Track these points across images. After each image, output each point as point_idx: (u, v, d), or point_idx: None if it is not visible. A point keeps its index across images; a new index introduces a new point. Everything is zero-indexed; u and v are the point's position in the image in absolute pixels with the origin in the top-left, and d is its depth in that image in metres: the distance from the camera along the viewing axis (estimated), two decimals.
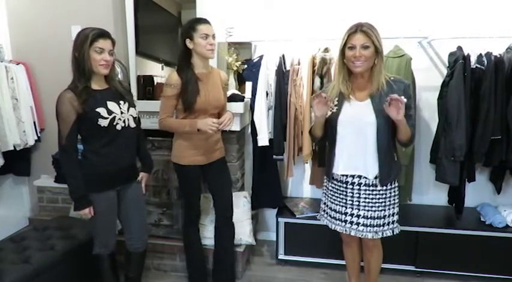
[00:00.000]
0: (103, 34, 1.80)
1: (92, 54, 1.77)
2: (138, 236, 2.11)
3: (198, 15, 2.69)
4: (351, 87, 1.89)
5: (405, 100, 1.70)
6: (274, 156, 2.79)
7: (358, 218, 1.93)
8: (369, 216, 1.91)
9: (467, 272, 2.55)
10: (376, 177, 1.89)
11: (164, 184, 2.85)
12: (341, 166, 1.93)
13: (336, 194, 1.99)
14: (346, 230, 1.97)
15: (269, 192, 2.94)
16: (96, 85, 1.86)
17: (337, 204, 2.00)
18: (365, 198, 1.91)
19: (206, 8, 2.73)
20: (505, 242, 2.48)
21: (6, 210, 3.14)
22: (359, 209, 1.93)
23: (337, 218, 2.00)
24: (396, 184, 1.95)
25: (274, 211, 2.88)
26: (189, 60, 2.08)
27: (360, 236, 1.95)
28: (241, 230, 2.63)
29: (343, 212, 1.97)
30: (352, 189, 1.93)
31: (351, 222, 1.95)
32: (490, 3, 2.57)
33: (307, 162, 2.87)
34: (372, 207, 1.91)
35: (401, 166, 2.02)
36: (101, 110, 1.80)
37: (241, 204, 2.73)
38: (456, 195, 2.63)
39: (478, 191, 2.78)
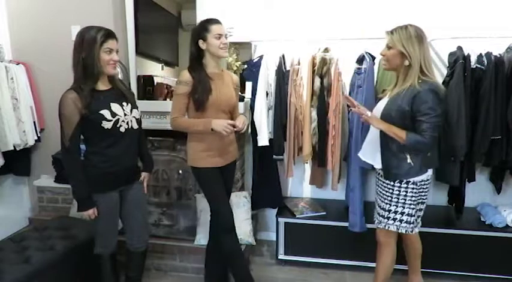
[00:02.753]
0: (110, 34, 1.79)
1: (102, 55, 1.76)
2: (139, 235, 2.11)
3: (198, 15, 2.69)
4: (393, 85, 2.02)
5: (367, 113, 1.92)
6: (274, 156, 2.79)
7: (375, 204, 2.15)
8: (379, 204, 2.09)
9: (467, 272, 2.56)
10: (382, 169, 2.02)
11: (164, 184, 2.85)
12: (362, 151, 2.18)
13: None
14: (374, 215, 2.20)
15: (269, 192, 2.94)
16: (101, 86, 1.85)
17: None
18: (379, 187, 2.08)
19: (206, 8, 2.72)
20: (505, 242, 2.48)
21: (6, 210, 3.13)
22: (377, 196, 2.13)
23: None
24: (413, 186, 1.95)
25: (274, 211, 2.88)
26: (201, 60, 2.07)
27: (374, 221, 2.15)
28: (241, 230, 2.63)
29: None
30: (377, 178, 2.12)
31: (375, 207, 2.17)
32: (490, 3, 2.57)
33: (307, 162, 2.87)
34: (381, 197, 2.07)
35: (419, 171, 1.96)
36: (105, 112, 1.79)
37: (241, 204, 2.73)
38: (456, 195, 2.63)
39: (478, 191, 2.78)
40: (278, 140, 2.71)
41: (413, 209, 1.99)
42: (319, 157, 2.71)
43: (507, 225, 2.51)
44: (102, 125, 1.78)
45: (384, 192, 2.04)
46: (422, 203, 2.06)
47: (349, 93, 2.71)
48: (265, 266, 2.82)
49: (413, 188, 1.96)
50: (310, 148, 2.66)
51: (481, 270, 2.54)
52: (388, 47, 1.92)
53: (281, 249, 2.79)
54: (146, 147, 2.22)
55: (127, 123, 1.88)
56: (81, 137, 1.83)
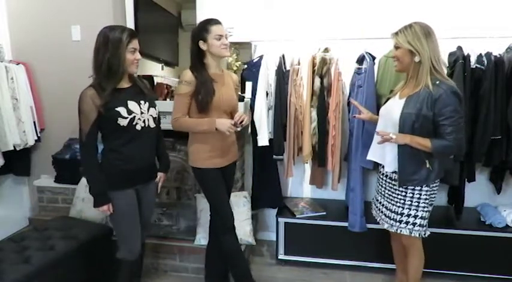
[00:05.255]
0: (134, 33, 1.83)
1: (127, 55, 1.80)
2: (145, 232, 2.11)
3: (198, 15, 2.70)
4: (404, 85, 2.00)
5: (391, 136, 1.84)
6: (274, 156, 2.79)
7: (382, 206, 2.09)
8: (388, 207, 2.04)
9: (467, 272, 2.56)
10: (394, 172, 1.98)
11: (164, 184, 2.84)
12: (371, 151, 2.14)
13: (377, 183, 2.17)
14: (376, 215, 2.17)
15: (269, 192, 2.94)
16: (123, 84, 1.87)
17: (376, 191, 2.19)
18: (389, 189, 2.04)
19: (206, 8, 2.73)
20: (504, 242, 2.48)
21: (6, 210, 3.13)
22: (384, 198, 2.08)
23: (374, 202, 2.21)
24: (427, 189, 1.92)
25: (274, 211, 2.88)
26: (202, 61, 2.06)
27: (381, 224, 2.10)
28: (241, 230, 2.63)
29: (376, 198, 2.18)
30: (382, 178, 2.09)
31: (379, 209, 2.12)
32: (490, 3, 2.57)
33: (307, 162, 2.86)
34: (391, 200, 2.02)
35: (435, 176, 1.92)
36: (121, 110, 1.80)
37: (241, 204, 2.73)
38: (456, 195, 2.63)
39: (478, 191, 2.78)
40: (278, 140, 2.71)
41: (426, 211, 1.96)
42: (319, 157, 2.71)
43: (507, 225, 2.51)
44: (118, 122, 1.79)
45: (394, 195, 1.99)
46: (432, 205, 2.01)
47: (349, 93, 2.72)
48: (265, 266, 2.82)
49: (427, 191, 1.93)
50: (310, 148, 2.66)
51: (481, 270, 2.54)
52: (396, 47, 1.91)
53: (281, 249, 2.79)
54: (164, 147, 2.20)
55: (143, 121, 1.88)
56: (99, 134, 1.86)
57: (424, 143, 1.84)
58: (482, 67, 2.37)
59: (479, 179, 2.70)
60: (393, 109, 1.94)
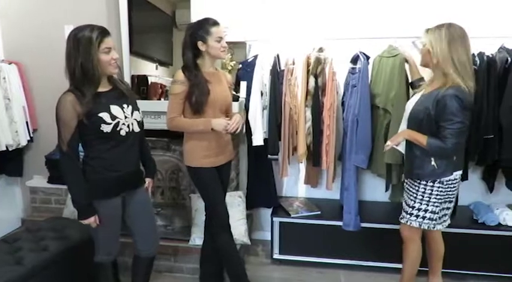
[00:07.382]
0: (105, 31, 1.67)
1: (101, 57, 1.65)
2: (149, 240, 2.03)
3: (193, 15, 2.69)
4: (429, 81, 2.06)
5: (389, 144, 2.02)
6: (269, 156, 2.79)
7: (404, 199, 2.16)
8: (405, 200, 2.12)
9: (461, 270, 2.58)
10: None
11: (159, 184, 2.84)
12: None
13: None
14: None
15: (264, 191, 2.94)
16: (100, 87, 1.73)
17: None
18: (408, 184, 2.10)
19: (200, 7, 2.72)
20: (497, 240, 2.50)
21: None
22: (404, 192, 2.15)
23: None
24: (438, 185, 1.96)
25: (269, 211, 2.89)
26: (196, 61, 2.03)
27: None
28: (236, 229, 2.62)
29: None
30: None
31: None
32: (481, 4, 2.59)
33: (301, 162, 2.87)
34: (407, 193, 2.10)
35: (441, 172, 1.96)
36: (104, 115, 1.68)
37: (236, 204, 2.72)
38: None
39: (470, 190, 2.80)
40: (272, 140, 2.71)
41: (437, 207, 2.00)
42: (314, 156, 2.72)
43: (499, 224, 2.54)
44: (101, 128, 1.68)
45: (410, 188, 2.07)
46: (450, 201, 2.04)
47: (344, 93, 2.73)
48: (260, 266, 2.82)
49: (439, 187, 1.96)
50: (304, 147, 2.67)
51: (474, 268, 2.56)
52: (423, 45, 1.98)
53: (276, 249, 2.79)
54: (148, 151, 2.10)
55: (128, 126, 1.77)
56: (80, 141, 1.74)
57: (421, 139, 1.90)
58: (475, 67, 2.38)
59: (472, 178, 2.72)
60: (410, 104, 2.03)
